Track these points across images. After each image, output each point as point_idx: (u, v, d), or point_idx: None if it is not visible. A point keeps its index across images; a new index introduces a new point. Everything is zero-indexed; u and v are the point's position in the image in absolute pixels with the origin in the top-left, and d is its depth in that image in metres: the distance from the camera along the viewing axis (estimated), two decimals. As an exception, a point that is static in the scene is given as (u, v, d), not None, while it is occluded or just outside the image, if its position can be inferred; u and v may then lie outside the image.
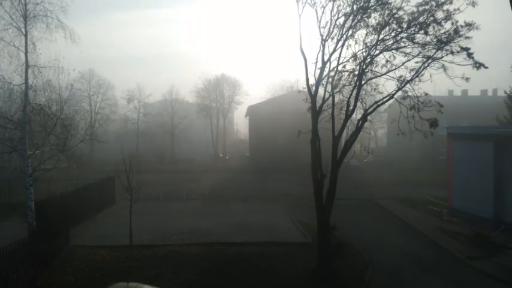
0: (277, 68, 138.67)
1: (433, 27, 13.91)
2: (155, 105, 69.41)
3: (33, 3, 16.58)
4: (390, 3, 14.40)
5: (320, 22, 15.33)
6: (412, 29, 14.28)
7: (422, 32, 14.11)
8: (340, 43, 15.36)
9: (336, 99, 16.60)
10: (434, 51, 14.13)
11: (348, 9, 14.86)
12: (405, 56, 14.76)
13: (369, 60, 15.28)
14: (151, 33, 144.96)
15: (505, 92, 39.56)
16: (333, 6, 14.97)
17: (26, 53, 16.53)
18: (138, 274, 14.93)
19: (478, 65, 13.35)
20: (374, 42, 14.97)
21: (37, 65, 16.67)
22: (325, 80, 16.12)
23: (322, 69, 15.67)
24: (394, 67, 15.05)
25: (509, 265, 17.22)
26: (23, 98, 16.89)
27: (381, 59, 15.26)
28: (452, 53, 13.68)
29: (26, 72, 16.55)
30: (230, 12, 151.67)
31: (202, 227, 21.76)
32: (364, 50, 15.31)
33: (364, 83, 15.86)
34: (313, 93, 15.96)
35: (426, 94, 14.74)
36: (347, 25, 15.09)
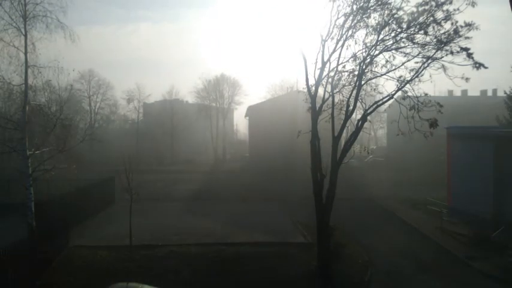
0: (277, 69, 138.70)
1: (433, 28, 13.92)
2: (155, 106, 69.39)
3: (32, 3, 16.54)
4: (390, 4, 14.42)
5: (320, 22, 15.38)
6: (412, 29, 14.28)
7: (422, 32, 14.11)
8: (340, 43, 15.38)
9: (336, 100, 16.60)
10: (434, 51, 14.12)
11: (348, 9, 14.88)
12: (405, 56, 14.77)
13: (368, 60, 15.28)
14: (151, 34, 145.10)
15: (505, 92, 39.46)
16: (333, 7, 15.01)
17: (25, 53, 16.49)
18: (138, 274, 14.91)
19: (478, 65, 13.36)
20: (374, 43, 14.98)
21: (37, 65, 16.64)
22: (325, 80, 16.12)
23: (322, 69, 15.69)
24: (393, 67, 15.07)
25: (509, 265, 17.20)
26: (23, 98, 16.86)
27: (380, 59, 15.27)
28: (452, 53, 13.68)
29: (26, 72, 16.52)
30: (230, 12, 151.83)
31: (202, 227, 21.74)
32: (363, 50, 15.33)
33: (364, 83, 15.86)
34: (312, 93, 15.96)
35: (426, 94, 14.72)
36: (347, 25, 15.10)
